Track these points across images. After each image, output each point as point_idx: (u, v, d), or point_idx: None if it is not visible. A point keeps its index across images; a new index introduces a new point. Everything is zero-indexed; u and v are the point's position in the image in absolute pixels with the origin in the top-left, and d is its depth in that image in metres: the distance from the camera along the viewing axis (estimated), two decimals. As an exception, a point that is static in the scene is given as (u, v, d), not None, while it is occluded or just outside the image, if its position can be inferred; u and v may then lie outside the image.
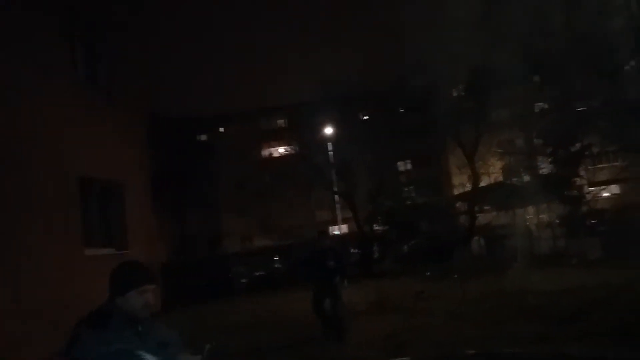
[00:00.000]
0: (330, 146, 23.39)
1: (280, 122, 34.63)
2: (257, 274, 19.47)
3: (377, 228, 23.68)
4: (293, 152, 27.63)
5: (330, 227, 33.77)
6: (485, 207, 21.82)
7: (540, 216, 21.37)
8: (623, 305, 8.36)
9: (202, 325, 11.05)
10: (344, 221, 29.98)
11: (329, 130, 23.62)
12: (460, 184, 25.20)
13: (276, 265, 20.02)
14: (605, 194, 30.79)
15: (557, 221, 20.06)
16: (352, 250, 21.96)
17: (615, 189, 32.18)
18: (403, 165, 34.85)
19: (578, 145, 16.41)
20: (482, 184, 21.53)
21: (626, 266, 11.98)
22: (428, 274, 15.96)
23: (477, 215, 20.99)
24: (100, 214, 11.48)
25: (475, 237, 21.24)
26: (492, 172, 22.68)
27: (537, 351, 6.26)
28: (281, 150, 32.81)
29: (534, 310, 8.64)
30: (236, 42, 60.49)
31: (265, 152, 35.53)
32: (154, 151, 23.22)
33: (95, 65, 12.18)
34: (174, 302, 15.32)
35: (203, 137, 34.47)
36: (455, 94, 23.20)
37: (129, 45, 14.80)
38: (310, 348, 8.05)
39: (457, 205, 24.81)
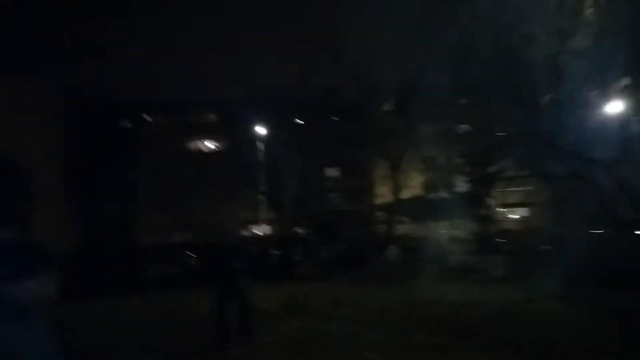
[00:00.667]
0: (260, 146, 23.26)
1: (212, 116, 33.86)
2: (171, 270, 18.88)
3: (299, 231, 23.83)
4: (222, 148, 27.22)
5: (253, 228, 33.55)
6: (404, 219, 22.62)
7: (452, 231, 22.44)
8: (518, 320, 8.96)
9: (98, 320, 10.52)
10: (268, 222, 29.87)
11: (260, 130, 23.49)
12: (383, 194, 26.02)
13: (192, 262, 19.55)
14: (514, 216, 32.92)
15: (468, 237, 21.16)
16: (273, 252, 21.96)
17: (523, 211, 34.48)
18: (330, 172, 35.32)
19: (494, 167, 17.44)
20: (403, 196, 22.32)
21: (525, 284, 12.86)
22: (344, 279, 16.28)
23: (395, 225, 21.71)
24: (2, 195, 10.69)
25: (392, 246, 21.93)
26: (413, 186, 23.58)
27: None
28: (210, 145, 32.07)
29: (437, 321, 9.05)
30: (173, 31, 58.77)
31: (192, 146, 34.57)
32: (73, 135, 22.01)
33: (6, 43, 11.34)
34: (77, 292, 14.45)
35: (127, 124, 32.92)
36: (386, 108, 23.92)
37: (51, 25, 13.94)
38: (211, 348, 7.86)
39: (378, 214, 25.55)
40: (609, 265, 12.37)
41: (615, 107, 13.39)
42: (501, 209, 23.69)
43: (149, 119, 33.50)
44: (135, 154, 26.59)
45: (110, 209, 26.13)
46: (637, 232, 11.16)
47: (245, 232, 32.92)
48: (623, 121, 13.73)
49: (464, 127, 22.13)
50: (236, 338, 7.88)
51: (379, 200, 27.70)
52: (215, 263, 8.35)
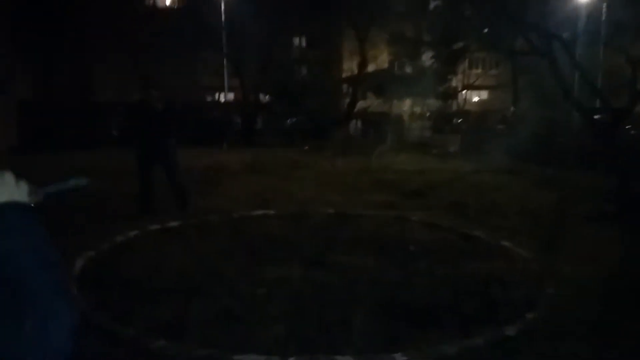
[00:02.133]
0: (222, 5, 21.91)
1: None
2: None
3: (263, 99, 23.59)
4: (181, 6, 25.50)
5: (217, 94, 32.87)
6: (368, 93, 22.67)
7: (414, 108, 22.84)
8: (463, 186, 9.63)
9: (55, 168, 10.45)
10: (231, 89, 29.25)
11: (222, -14, 21.95)
12: (349, 68, 25.67)
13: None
14: (475, 98, 33.54)
15: (428, 114, 21.63)
16: (235, 119, 21.90)
17: (484, 94, 35.09)
18: (297, 41, 34.12)
19: (459, 44, 17.32)
20: (369, 70, 22.11)
21: (476, 159, 13.56)
22: (306, 148, 16.66)
23: (359, 99, 21.79)
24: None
25: (354, 120, 22.25)
26: (380, 59, 23.28)
27: (381, 215, 7.12)
28: (167, 1, 29.89)
29: (389, 184, 9.60)
30: None
31: (148, 2, 32.16)
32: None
33: None
34: (32, 144, 14.23)
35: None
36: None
37: None
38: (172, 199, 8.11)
39: (343, 88, 25.41)
40: (557, 145, 13.12)
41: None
42: (462, 90, 23.96)
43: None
44: (91, 10, 24.62)
45: (68, 66, 24.76)
46: (594, 117, 11.67)
47: (207, 97, 32.35)
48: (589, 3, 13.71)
49: (433, 2, 21.46)
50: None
51: (345, 75, 27.37)
52: (139, 121, 7.13)
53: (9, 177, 1.01)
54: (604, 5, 15.20)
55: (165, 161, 7.01)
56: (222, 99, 30.63)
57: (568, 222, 6.97)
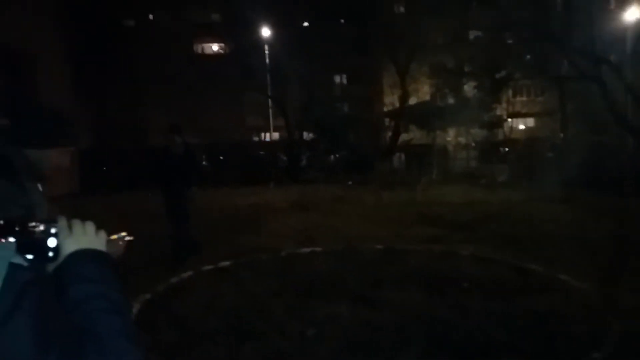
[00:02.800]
0: (266, 49, 22.70)
1: (215, 16, 32.57)
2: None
3: (306, 137, 23.97)
4: (227, 50, 26.56)
5: (262, 134, 33.64)
6: (410, 125, 22.64)
7: (458, 138, 22.55)
8: (514, 218, 9.34)
9: (113, 210, 10.90)
10: (276, 129, 29.92)
11: (266, 32, 22.80)
12: (391, 102, 25.80)
13: (204, 163, 19.92)
14: (521, 126, 32.80)
15: (473, 144, 21.29)
16: (281, 157, 22.31)
17: (530, 122, 34.28)
18: (338, 79, 34.74)
19: (503, 72, 17.13)
20: (410, 102, 22.16)
21: (525, 189, 13.19)
22: (350, 183, 16.70)
23: (402, 132, 21.78)
24: (6, 87, 10.64)
25: (397, 153, 22.19)
26: (421, 92, 23.30)
27: (429, 249, 7.00)
28: (214, 47, 31.21)
29: (436, 218, 9.45)
30: None
31: (197, 48, 33.66)
32: (75, 27, 21.41)
33: None
34: (91, 188, 14.96)
35: (130, 23, 31.82)
36: (396, 10, 22.99)
37: None
38: (226, 237, 8.26)
39: (385, 121, 25.49)
40: (611, 171, 12.59)
41: (628, 11, 12.93)
42: (509, 119, 23.54)
43: (152, 18, 32.38)
44: (141, 55, 26.02)
45: (119, 109, 26.10)
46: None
47: (253, 137, 33.13)
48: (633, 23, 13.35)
49: (473, 31, 21.44)
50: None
51: (386, 108, 27.51)
52: (160, 166, 7.10)
53: (89, 227, 1.10)
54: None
55: (177, 209, 6.75)
56: (268, 138, 31.33)
57: (626, 252, 6.63)
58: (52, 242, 1.01)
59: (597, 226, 8.34)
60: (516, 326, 4.29)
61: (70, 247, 1.05)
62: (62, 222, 1.08)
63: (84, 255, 1.06)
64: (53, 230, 1.02)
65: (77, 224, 1.10)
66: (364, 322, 4.47)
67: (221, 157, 19.88)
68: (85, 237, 1.09)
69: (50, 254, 1.01)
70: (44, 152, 1.92)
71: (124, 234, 1.90)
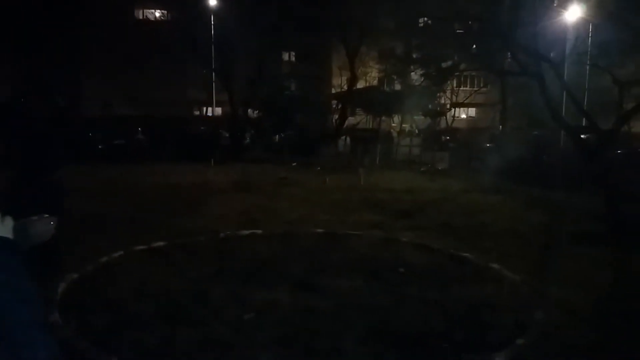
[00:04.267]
0: (212, 19, 21.87)
1: (158, -19, 31.02)
2: (117, 142, 18.40)
3: (251, 114, 23.50)
4: (170, 18, 25.43)
5: (204, 108, 32.71)
6: (357, 109, 22.73)
7: (403, 125, 22.93)
8: (450, 208, 9.59)
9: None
10: (219, 104, 29.15)
11: (212, 1, 21.90)
12: (339, 84, 25.80)
13: (139, 137, 19.11)
14: (463, 116, 33.86)
15: (417, 132, 21.71)
16: (224, 134, 21.79)
17: (472, 112, 35.43)
18: (287, 56, 34.24)
19: (449, 62, 17.44)
20: (358, 86, 22.22)
21: (464, 179, 13.59)
22: (294, 164, 16.59)
23: (348, 115, 21.84)
24: None
25: (343, 136, 22.27)
26: (369, 76, 23.40)
27: (371, 235, 7.05)
28: (157, 14, 29.75)
29: (378, 204, 9.54)
30: None
31: (138, 13, 31.98)
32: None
33: None
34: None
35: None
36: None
37: None
38: (161, 217, 7.97)
39: (332, 103, 25.47)
40: (544, 165, 13.19)
41: (571, 9, 13.47)
42: (451, 107, 24.16)
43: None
44: (78, 21, 24.46)
45: (53, 77, 24.48)
46: (581, 136, 11.67)
47: (195, 112, 32.20)
48: (575, 23, 13.96)
49: (423, 19, 21.67)
50: None
51: (334, 89, 27.49)
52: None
53: None
54: (590, 26, 15.46)
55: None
56: (210, 114, 30.51)
57: (557, 243, 6.96)
58: None
59: (529, 218, 8.71)
60: (449, 314, 4.38)
61: None
62: None
63: None
64: None
65: None
66: (303, 307, 4.42)
67: (159, 131, 19.09)
68: None
69: None
70: None
71: (47, 215, 1.72)
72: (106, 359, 3.35)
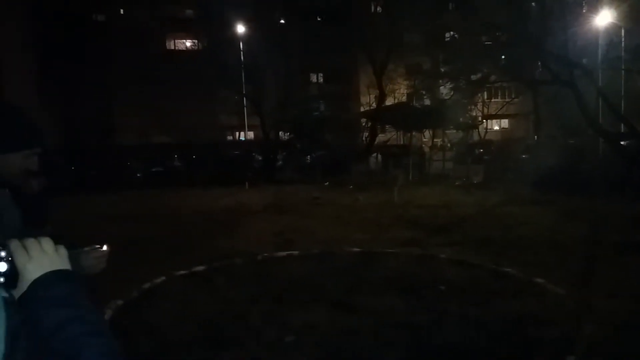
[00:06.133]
0: (241, 46, 22.43)
1: (189, 11, 32.00)
2: (155, 169, 18.94)
3: (282, 137, 23.81)
4: (200, 47, 26.17)
5: (236, 133, 33.32)
6: (386, 126, 22.71)
7: (435, 139, 22.75)
8: (488, 221, 9.41)
9: (89, 213, 10.72)
10: (250, 128, 29.66)
11: (241, 29, 22.51)
12: (367, 102, 25.90)
13: (175, 163, 19.62)
14: (496, 127, 33.40)
15: (449, 145, 21.49)
16: (256, 157, 22.13)
17: (505, 123, 34.91)
18: (315, 78, 34.68)
19: (479, 75, 17.32)
20: (387, 103, 22.25)
21: (500, 191, 13.34)
22: (326, 184, 16.66)
23: (378, 132, 21.84)
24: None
25: (374, 154, 22.24)
26: (397, 93, 23.40)
27: (407, 253, 6.99)
28: (188, 43, 30.68)
29: (412, 220, 9.47)
30: None
31: (169, 44, 33.04)
32: (43, 28, 20.80)
33: None
34: (59, 189, 14.53)
35: (100, 17, 31.00)
36: (373, 9, 23.05)
37: None
38: (199, 241, 8.13)
39: (362, 122, 25.54)
40: (582, 173, 12.84)
41: (601, 15, 13.23)
42: (483, 119, 23.87)
43: (123, 12, 31.59)
44: (111, 51, 25.39)
45: (90, 108, 25.47)
46: (620, 143, 11.33)
47: (228, 137, 32.80)
48: (606, 28, 13.67)
49: (450, 33, 21.64)
50: None
51: (362, 107, 27.58)
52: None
53: (47, 244, 0.98)
54: (622, 30, 15.13)
55: None
56: (243, 138, 31.03)
57: (600, 254, 6.74)
58: (1, 267, 0.90)
59: (569, 228, 8.47)
60: (493, 330, 4.30)
61: (32, 272, 0.94)
62: (15, 243, 0.96)
63: (50, 278, 0.95)
64: (2, 254, 0.91)
65: (32, 243, 0.98)
66: (342, 327, 4.42)
67: (194, 157, 19.57)
68: (45, 257, 0.97)
69: (1, 279, 0.89)
70: (7, 156, 1.77)
71: (99, 246, 1.71)
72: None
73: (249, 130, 30.05)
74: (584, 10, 12.72)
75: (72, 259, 1.54)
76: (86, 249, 1.68)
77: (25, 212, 2.14)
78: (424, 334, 4.25)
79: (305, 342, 4.15)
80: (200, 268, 6.39)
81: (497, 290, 5.38)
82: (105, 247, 1.73)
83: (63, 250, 1.02)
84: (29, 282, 0.94)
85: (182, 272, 6.23)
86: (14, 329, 0.82)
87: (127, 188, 16.21)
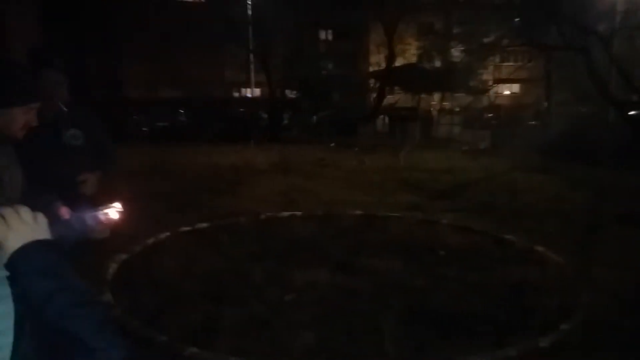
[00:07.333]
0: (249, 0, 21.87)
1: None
2: (160, 124, 18.90)
3: (289, 95, 23.56)
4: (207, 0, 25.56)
5: (242, 89, 32.93)
6: (395, 88, 22.40)
7: (443, 103, 22.48)
8: (492, 188, 9.40)
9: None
10: (257, 85, 29.28)
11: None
12: (376, 62, 25.41)
13: (181, 118, 19.54)
14: (506, 92, 32.84)
15: (457, 109, 21.24)
16: (262, 115, 21.99)
17: (515, 88, 34.28)
18: (324, 35, 33.91)
19: (490, 37, 16.89)
20: (396, 64, 21.86)
21: (507, 158, 13.26)
22: (332, 144, 16.61)
23: (386, 94, 21.56)
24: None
25: (381, 115, 22.05)
26: (408, 53, 22.94)
27: (410, 217, 7.03)
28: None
29: (417, 184, 9.47)
30: None
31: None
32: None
33: None
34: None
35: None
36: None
37: None
38: (204, 198, 8.17)
39: (370, 82, 25.19)
40: (591, 142, 12.70)
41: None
42: (493, 84, 23.47)
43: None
44: (116, 3, 24.81)
45: (95, 60, 25.13)
46: (630, 113, 11.08)
47: (234, 93, 32.46)
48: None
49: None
50: None
51: (372, 68, 27.11)
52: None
53: (25, 213, 0.96)
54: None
55: None
56: (249, 95, 30.70)
57: (603, 224, 6.74)
58: None
59: (574, 197, 8.46)
60: (491, 296, 4.36)
61: (13, 242, 0.92)
62: None
63: (31, 249, 0.93)
64: None
65: (10, 213, 0.95)
66: (343, 289, 4.49)
67: (200, 113, 19.45)
68: (25, 226, 0.95)
69: None
70: (12, 110, 1.78)
71: (113, 205, 1.61)
72: (156, 337, 3.51)
73: (256, 87, 29.70)
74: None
75: (76, 223, 1.51)
76: (92, 212, 1.63)
77: (26, 169, 2.12)
78: (422, 297, 4.33)
79: (305, 300, 4.23)
80: (204, 225, 6.45)
81: (497, 257, 5.42)
82: (118, 206, 1.66)
83: (42, 219, 0.99)
84: (9, 253, 0.92)
85: (186, 228, 6.30)
86: (20, 318, 0.83)
87: (132, 142, 16.10)
